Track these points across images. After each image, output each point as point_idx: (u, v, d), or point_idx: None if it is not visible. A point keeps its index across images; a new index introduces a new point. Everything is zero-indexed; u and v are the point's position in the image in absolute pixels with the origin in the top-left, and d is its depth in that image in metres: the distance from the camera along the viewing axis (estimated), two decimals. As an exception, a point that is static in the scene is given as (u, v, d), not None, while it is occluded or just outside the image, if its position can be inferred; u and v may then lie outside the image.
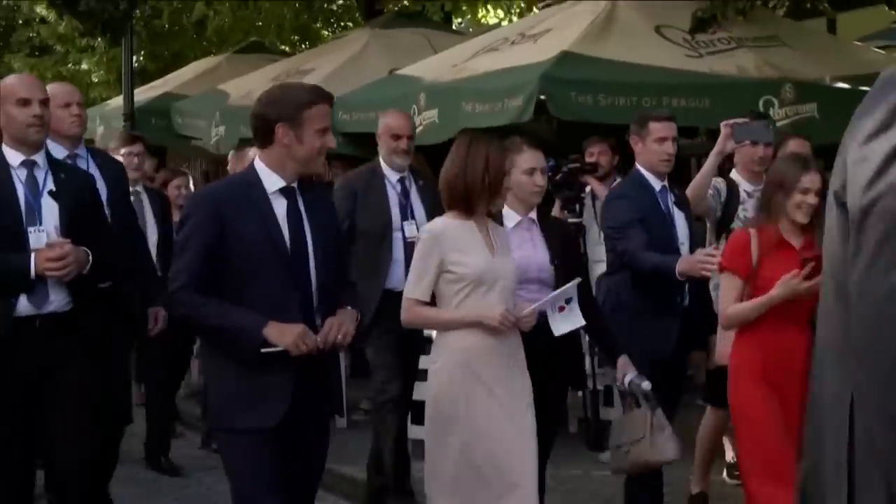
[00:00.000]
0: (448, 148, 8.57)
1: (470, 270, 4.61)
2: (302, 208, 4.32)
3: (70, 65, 20.46)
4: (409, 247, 6.10)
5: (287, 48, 18.24)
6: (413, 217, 6.41)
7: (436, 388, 4.73)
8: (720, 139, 5.94)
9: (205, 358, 4.93)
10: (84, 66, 20.17)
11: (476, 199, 4.71)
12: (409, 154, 6.47)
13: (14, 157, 4.85)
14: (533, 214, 5.18)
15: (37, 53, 21.44)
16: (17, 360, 4.76)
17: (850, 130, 2.41)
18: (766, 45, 8.82)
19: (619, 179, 7.62)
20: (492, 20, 17.98)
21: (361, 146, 9.91)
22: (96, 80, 19.65)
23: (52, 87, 5.59)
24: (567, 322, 4.84)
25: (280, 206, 4.27)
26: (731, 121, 6.00)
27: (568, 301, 4.82)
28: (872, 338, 2.28)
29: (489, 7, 17.68)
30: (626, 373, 5.15)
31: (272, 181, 4.27)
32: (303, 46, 18.51)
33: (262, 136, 4.28)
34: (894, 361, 2.27)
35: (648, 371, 5.16)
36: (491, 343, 4.66)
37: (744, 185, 6.30)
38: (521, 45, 9.07)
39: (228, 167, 8.76)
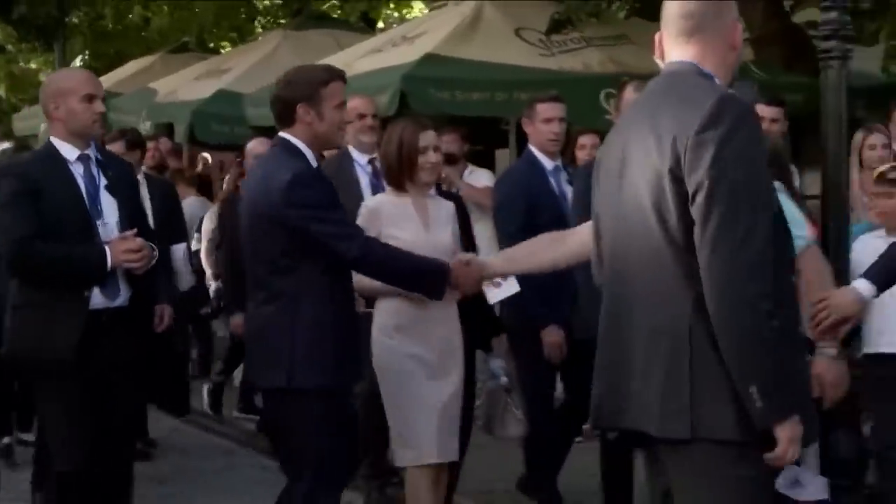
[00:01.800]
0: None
1: (402, 244, 4.72)
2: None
3: (21, 63, 21.45)
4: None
5: (216, 46, 19.25)
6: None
7: (375, 353, 5.06)
8: None
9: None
10: (33, 65, 21.15)
11: (397, 175, 5.05)
12: (375, 131, 6.52)
13: (70, 151, 4.79)
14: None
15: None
16: (91, 354, 4.70)
17: (674, 116, 3.03)
18: (613, 44, 9.99)
19: (469, 166, 8.80)
20: (416, 14, 19.07)
21: (270, 138, 11.07)
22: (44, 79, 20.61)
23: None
24: (502, 290, 4.93)
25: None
26: None
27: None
28: (727, 280, 2.91)
29: (412, 4, 18.77)
30: (494, 356, 5.71)
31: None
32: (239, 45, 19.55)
33: (285, 117, 4.43)
34: (741, 301, 2.90)
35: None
36: (422, 311, 4.94)
37: None
38: (400, 47, 10.22)
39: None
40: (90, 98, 4.76)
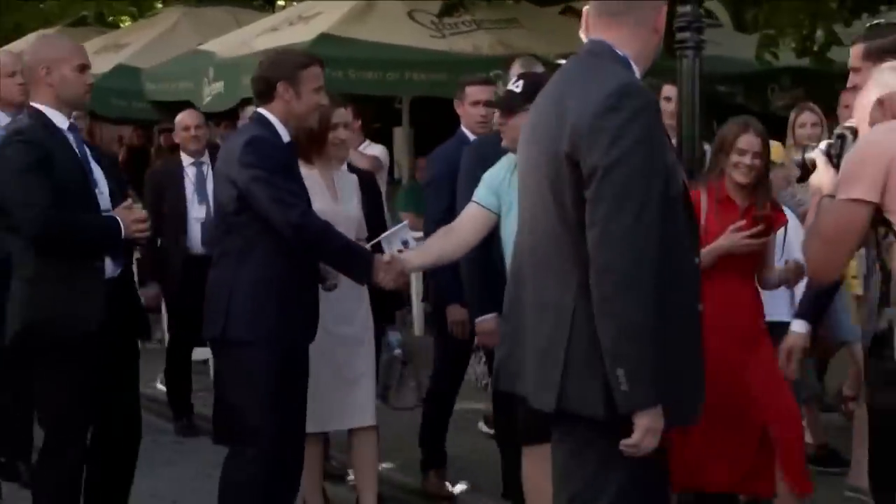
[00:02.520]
0: (232, 115, 10.00)
1: None
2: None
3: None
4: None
5: (115, 21, 19.22)
6: None
7: None
8: None
9: None
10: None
11: (306, 148, 5.14)
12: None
13: (62, 120, 4.69)
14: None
15: None
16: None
17: (576, 98, 3.05)
18: (503, 27, 10.39)
19: (366, 140, 9.08)
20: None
21: (164, 113, 11.30)
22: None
23: None
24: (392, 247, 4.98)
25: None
26: None
27: (405, 244, 4.97)
28: (610, 264, 2.95)
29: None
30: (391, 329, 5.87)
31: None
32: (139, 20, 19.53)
33: (264, 94, 4.67)
34: (621, 286, 2.95)
35: None
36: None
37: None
38: (296, 26, 10.50)
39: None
40: (83, 68, 4.73)
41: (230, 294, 4.56)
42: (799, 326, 4.91)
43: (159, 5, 19.61)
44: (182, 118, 7.71)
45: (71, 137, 4.70)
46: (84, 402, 4.59)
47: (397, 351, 5.83)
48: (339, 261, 4.73)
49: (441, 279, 5.77)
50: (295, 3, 13.90)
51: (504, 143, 4.78)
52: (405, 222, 5.29)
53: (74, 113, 4.85)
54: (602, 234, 2.97)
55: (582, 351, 3.04)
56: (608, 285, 2.97)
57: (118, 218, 4.62)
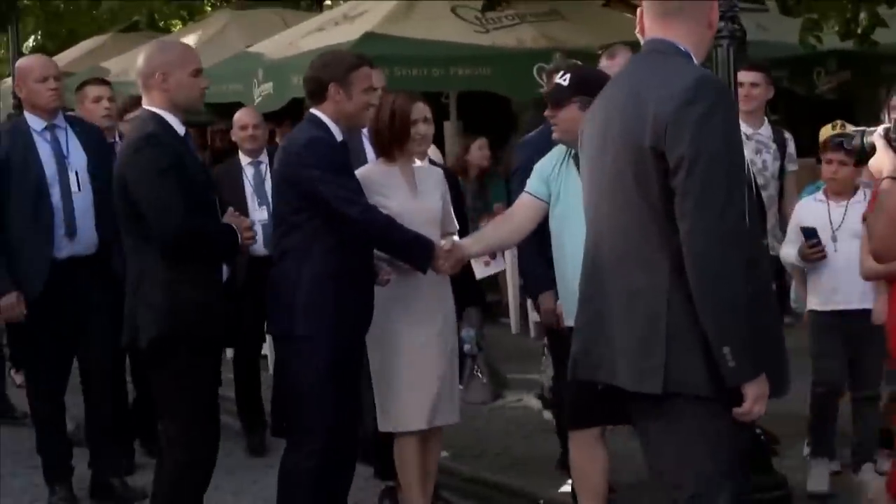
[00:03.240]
0: (284, 115, 10.03)
1: (391, 211, 4.93)
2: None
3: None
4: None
5: (166, 26, 19.54)
6: None
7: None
8: None
9: None
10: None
11: (388, 145, 5.16)
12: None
13: (179, 125, 4.75)
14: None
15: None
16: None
17: (656, 94, 3.15)
18: (545, 20, 10.50)
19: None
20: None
21: (217, 115, 11.53)
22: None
23: (28, 61, 6.11)
24: (491, 267, 5.64)
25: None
26: None
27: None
28: (707, 250, 3.09)
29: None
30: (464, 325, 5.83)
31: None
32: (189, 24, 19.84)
33: (316, 94, 4.81)
34: (719, 270, 3.10)
35: None
36: (406, 276, 5.08)
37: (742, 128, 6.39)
38: (342, 26, 10.68)
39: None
40: (197, 72, 4.79)
41: (294, 290, 4.69)
42: None
43: (209, 9, 19.94)
44: (240, 116, 7.56)
45: (189, 142, 4.83)
46: (214, 400, 4.80)
47: (466, 346, 5.91)
48: (401, 251, 4.93)
49: (528, 269, 5.63)
50: (341, 3, 14.11)
51: (554, 136, 4.93)
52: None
53: None
54: (693, 225, 3.11)
55: (681, 334, 3.18)
56: (705, 272, 3.12)
57: (233, 226, 4.75)
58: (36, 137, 5.78)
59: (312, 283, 4.68)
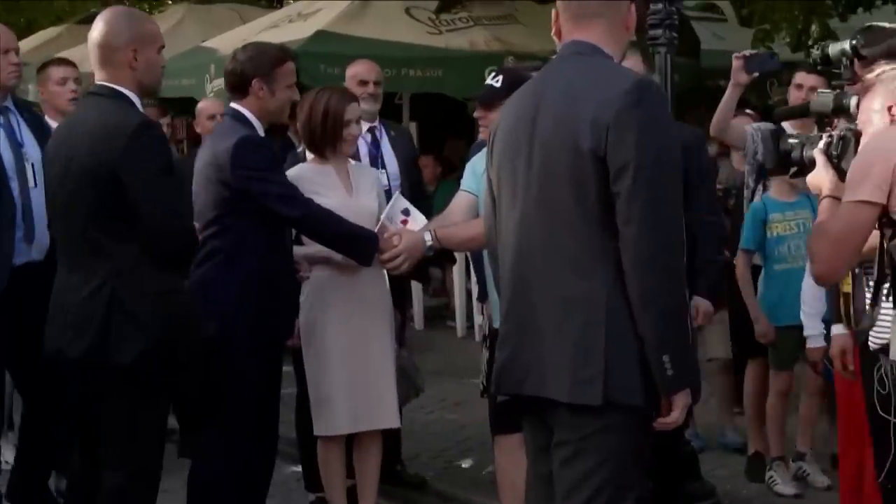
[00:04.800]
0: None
1: None
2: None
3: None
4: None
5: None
6: (384, 167, 6.07)
7: (301, 318, 5.10)
8: (733, 71, 5.76)
9: None
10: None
11: (320, 143, 5.12)
12: (376, 99, 6.26)
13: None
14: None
15: None
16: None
17: (593, 98, 3.09)
18: (500, 24, 10.49)
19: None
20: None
21: (170, 109, 11.41)
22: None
23: None
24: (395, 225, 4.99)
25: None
26: (741, 52, 5.89)
27: (406, 212, 5.12)
28: (652, 255, 3.05)
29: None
30: None
31: None
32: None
33: (238, 88, 4.71)
34: (664, 276, 3.08)
35: None
36: (342, 276, 5.07)
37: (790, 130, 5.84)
38: (296, 23, 10.64)
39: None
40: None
41: (222, 293, 4.56)
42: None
43: (170, 2, 19.78)
44: (206, 106, 7.29)
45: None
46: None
47: None
48: (344, 245, 4.86)
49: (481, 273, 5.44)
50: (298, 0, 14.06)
51: (481, 136, 4.92)
52: (398, 193, 5.31)
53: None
54: (642, 229, 3.05)
55: (619, 341, 3.11)
56: (651, 277, 3.07)
57: None
58: None
59: (241, 285, 4.58)
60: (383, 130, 6.28)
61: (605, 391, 3.10)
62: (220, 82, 10.45)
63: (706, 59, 10.80)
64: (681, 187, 3.21)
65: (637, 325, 3.10)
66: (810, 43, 10.54)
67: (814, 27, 10.43)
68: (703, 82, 10.55)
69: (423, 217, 5.09)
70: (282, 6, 15.88)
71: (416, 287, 10.11)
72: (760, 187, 5.92)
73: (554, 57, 3.43)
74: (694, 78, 10.50)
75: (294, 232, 5.00)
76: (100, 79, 4.13)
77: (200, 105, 7.54)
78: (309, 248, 5.08)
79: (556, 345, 3.17)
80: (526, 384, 3.25)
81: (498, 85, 4.76)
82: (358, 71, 6.40)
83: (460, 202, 4.89)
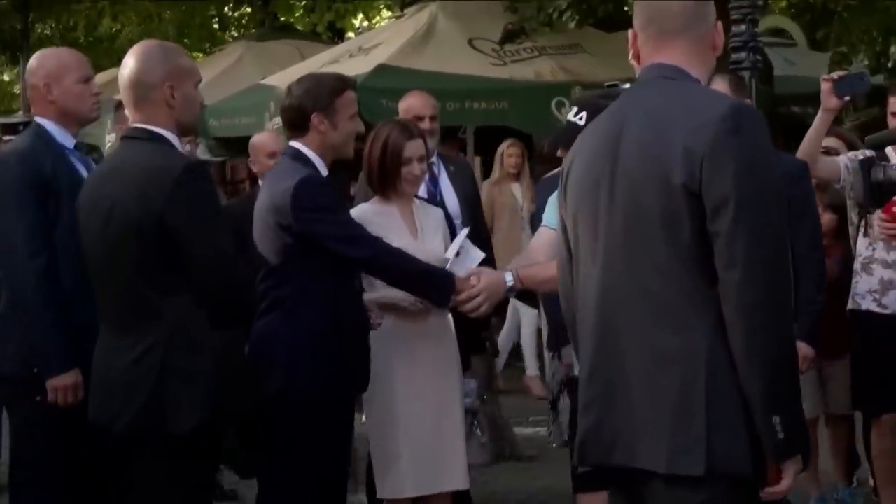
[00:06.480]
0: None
1: None
2: None
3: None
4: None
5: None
6: (443, 203, 5.64)
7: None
8: (822, 95, 5.25)
9: None
10: (6, 78, 21.29)
11: (379, 182, 4.82)
12: (433, 135, 5.73)
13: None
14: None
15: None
16: None
17: (683, 126, 2.74)
18: (565, 53, 10.22)
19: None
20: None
21: (229, 149, 11.27)
22: (17, 91, 20.80)
23: (59, 53, 4.70)
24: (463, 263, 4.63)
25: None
26: (831, 75, 5.41)
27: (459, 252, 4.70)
28: (760, 303, 2.67)
29: (381, 13, 18.96)
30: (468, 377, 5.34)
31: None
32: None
33: (298, 125, 4.37)
34: (774, 327, 2.69)
35: None
36: (406, 324, 4.77)
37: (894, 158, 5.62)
38: (357, 57, 10.42)
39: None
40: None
41: (288, 347, 4.20)
42: None
43: (229, 39, 19.80)
44: (265, 142, 6.55)
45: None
46: None
47: (467, 400, 5.34)
48: (418, 286, 4.49)
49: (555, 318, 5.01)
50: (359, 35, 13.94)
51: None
52: (465, 230, 4.87)
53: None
54: (746, 273, 2.68)
55: (722, 401, 2.73)
56: (758, 326, 2.70)
57: None
58: (70, 156, 4.38)
59: (309, 337, 4.21)
60: (441, 165, 5.88)
61: (708, 459, 2.71)
62: (279, 120, 10.29)
63: (778, 85, 10.46)
64: (786, 224, 2.83)
65: (742, 382, 2.72)
66: (890, 65, 10.22)
67: (893, 49, 10.09)
68: (775, 109, 10.22)
69: (480, 253, 4.67)
70: (342, 41, 15.79)
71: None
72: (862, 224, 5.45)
73: (632, 83, 3.12)
74: (768, 105, 10.16)
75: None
76: (135, 120, 3.84)
77: (257, 140, 6.70)
78: (377, 292, 4.72)
79: (649, 407, 2.80)
80: (614, 453, 2.88)
81: (581, 122, 4.23)
82: (412, 104, 5.97)
83: (542, 238, 4.45)
